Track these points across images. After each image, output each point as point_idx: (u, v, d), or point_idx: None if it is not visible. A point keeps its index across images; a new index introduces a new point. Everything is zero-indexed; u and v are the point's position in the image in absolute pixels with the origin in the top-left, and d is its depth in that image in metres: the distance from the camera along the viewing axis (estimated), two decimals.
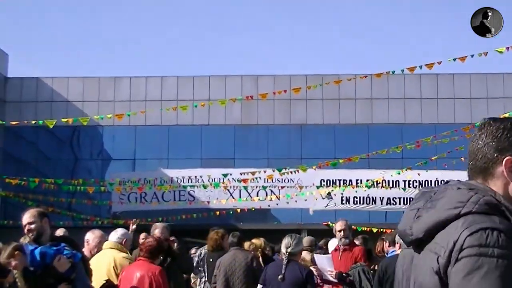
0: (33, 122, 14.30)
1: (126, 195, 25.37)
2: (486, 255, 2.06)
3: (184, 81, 28.01)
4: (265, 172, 20.34)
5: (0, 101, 27.61)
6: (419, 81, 27.52)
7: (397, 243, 8.23)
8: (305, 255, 9.77)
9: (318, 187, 23.57)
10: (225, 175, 21.64)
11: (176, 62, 54.66)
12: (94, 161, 28.16)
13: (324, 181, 24.92)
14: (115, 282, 7.70)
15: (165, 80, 28.13)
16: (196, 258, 11.44)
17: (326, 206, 25.34)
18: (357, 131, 27.15)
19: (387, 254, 9.42)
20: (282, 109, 27.33)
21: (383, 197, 25.43)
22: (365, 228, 21.07)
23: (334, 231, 10.10)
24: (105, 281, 7.63)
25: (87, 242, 8.54)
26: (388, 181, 23.94)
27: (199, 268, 11.22)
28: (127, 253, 8.42)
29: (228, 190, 23.96)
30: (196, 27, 57.09)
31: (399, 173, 21.77)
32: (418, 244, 2.28)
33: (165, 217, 21.52)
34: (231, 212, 23.15)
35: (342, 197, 25.41)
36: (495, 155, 2.31)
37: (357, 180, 24.94)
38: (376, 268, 9.18)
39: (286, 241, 7.96)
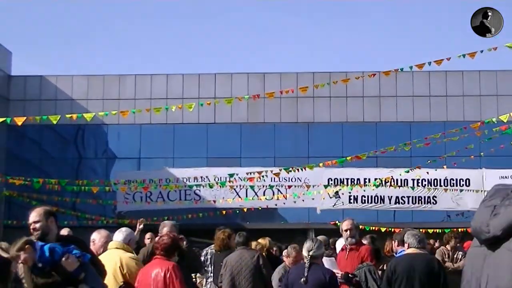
0: (38, 118, 14.08)
1: (131, 195, 25.23)
2: None
3: (190, 79, 27.86)
4: (272, 171, 20.14)
5: (3, 100, 27.41)
6: (428, 78, 27.32)
7: (406, 242, 8.11)
8: None
9: (325, 186, 23.46)
10: (231, 174, 21.41)
11: (182, 60, 54.61)
12: (99, 160, 28.02)
13: (331, 180, 24.85)
14: (119, 281, 7.67)
15: (170, 78, 27.97)
16: (202, 258, 11.24)
17: (333, 206, 25.23)
18: (365, 130, 26.98)
19: (396, 253, 9.42)
20: (289, 107, 27.15)
21: (391, 196, 25.33)
22: (373, 228, 21.00)
23: (340, 231, 9.93)
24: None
25: (93, 242, 8.49)
26: (397, 179, 23.85)
27: (205, 268, 11.13)
28: (132, 253, 8.33)
29: (235, 189, 23.80)
30: (201, 24, 56.97)
31: (407, 172, 21.62)
32: (494, 242, 2.15)
33: (170, 217, 21.24)
34: (238, 212, 23.06)
35: (350, 196, 25.32)
36: None
37: (365, 179, 24.84)
38: (384, 267, 9.11)
39: (307, 244, 7.99)
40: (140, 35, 56.99)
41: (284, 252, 10.49)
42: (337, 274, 8.75)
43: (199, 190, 24.43)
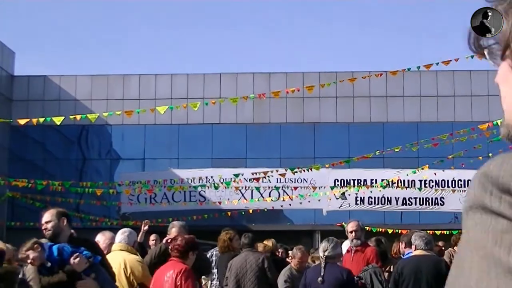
0: (41, 120, 13.92)
1: (136, 196, 25.10)
2: None
3: (195, 79, 27.72)
4: (277, 171, 19.95)
5: (6, 100, 27.26)
6: (435, 78, 27.11)
7: (413, 244, 8.19)
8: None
9: (332, 188, 23.32)
10: (236, 175, 21.24)
11: (186, 59, 54.42)
12: (103, 160, 27.88)
13: (338, 181, 24.72)
14: (123, 283, 7.68)
15: (175, 77, 27.84)
16: None
17: (340, 207, 25.09)
18: (372, 130, 26.78)
19: (403, 255, 9.40)
20: (295, 107, 26.98)
21: (398, 197, 25.21)
22: (380, 229, 20.79)
23: (346, 232, 10.04)
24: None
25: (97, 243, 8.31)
26: (404, 180, 23.67)
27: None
28: (137, 255, 8.29)
29: (240, 190, 23.63)
30: (206, 24, 56.84)
31: (414, 173, 21.40)
32: None
33: (175, 218, 21.09)
34: (243, 213, 22.93)
35: (356, 198, 25.21)
36: None
37: (371, 180, 24.70)
38: (391, 269, 9.26)
39: (323, 245, 8.02)
40: (144, 34, 56.92)
41: (290, 254, 10.40)
42: None
43: (204, 191, 24.30)
